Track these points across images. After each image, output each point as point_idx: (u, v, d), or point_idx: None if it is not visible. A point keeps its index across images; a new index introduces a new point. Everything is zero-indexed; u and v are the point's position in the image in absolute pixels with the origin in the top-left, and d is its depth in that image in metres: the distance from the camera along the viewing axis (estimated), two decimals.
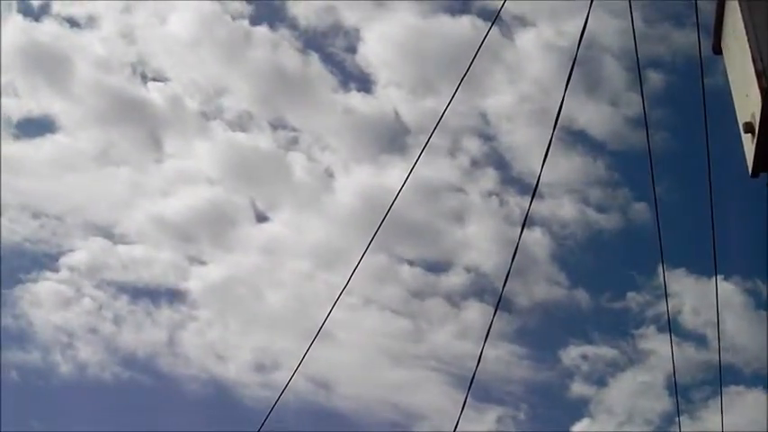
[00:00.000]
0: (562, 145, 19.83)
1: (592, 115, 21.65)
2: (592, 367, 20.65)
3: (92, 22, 22.58)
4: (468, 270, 22.01)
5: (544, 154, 6.29)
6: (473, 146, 22.41)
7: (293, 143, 22.80)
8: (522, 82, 22.59)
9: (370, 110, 23.06)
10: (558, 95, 6.23)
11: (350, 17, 23.28)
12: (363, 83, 23.16)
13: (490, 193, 22.59)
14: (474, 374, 6.64)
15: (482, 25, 19.67)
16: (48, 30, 22.10)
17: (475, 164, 22.70)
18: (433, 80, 22.34)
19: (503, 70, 22.21)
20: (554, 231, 21.60)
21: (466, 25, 21.43)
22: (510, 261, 6.62)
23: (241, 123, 22.94)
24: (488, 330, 6.67)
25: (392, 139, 22.92)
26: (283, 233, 23.11)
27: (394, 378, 21.94)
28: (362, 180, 22.54)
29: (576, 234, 21.94)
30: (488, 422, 20.19)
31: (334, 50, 22.75)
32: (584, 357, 20.72)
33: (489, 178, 22.50)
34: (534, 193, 6.68)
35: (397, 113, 22.80)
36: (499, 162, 22.30)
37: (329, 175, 23.05)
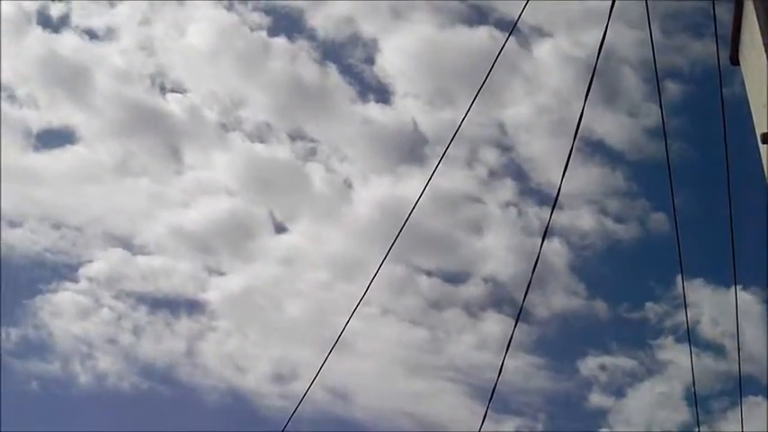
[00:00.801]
0: (580, 155, 19.88)
1: (610, 126, 21.69)
2: (610, 378, 20.61)
3: (111, 34, 22.86)
4: (486, 280, 22.07)
5: (564, 164, 6.31)
6: (491, 156, 22.48)
7: (312, 154, 22.94)
8: (540, 92, 22.66)
9: (388, 120, 23.18)
10: (576, 106, 6.27)
11: (368, 28, 23.47)
12: (381, 94, 23.29)
13: (508, 204, 22.65)
14: (495, 385, 6.66)
15: (499, 36, 19.76)
16: (67, 42, 22.39)
17: (493, 174, 22.77)
18: (451, 91, 22.45)
19: (520, 81, 22.30)
20: (572, 242, 21.62)
21: (483, 36, 21.55)
22: (529, 271, 6.66)
23: (260, 134, 23.11)
24: (509, 341, 6.70)
25: (410, 149, 23.01)
26: (302, 244, 23.25)
27: (412, 388, 21.97)
28: (380, 190, 22.65)
29: (595, 244, 21.95)
30: None
31: (352, 62, 22.94)
32: (603, 368, 20.69)
33: (507, 189, 22.55)
34: (555, 203, 6.70)
35: (415, 124, 22.91)
36: (517, 172, 22.37)
37: (347, 185, 23.18)
